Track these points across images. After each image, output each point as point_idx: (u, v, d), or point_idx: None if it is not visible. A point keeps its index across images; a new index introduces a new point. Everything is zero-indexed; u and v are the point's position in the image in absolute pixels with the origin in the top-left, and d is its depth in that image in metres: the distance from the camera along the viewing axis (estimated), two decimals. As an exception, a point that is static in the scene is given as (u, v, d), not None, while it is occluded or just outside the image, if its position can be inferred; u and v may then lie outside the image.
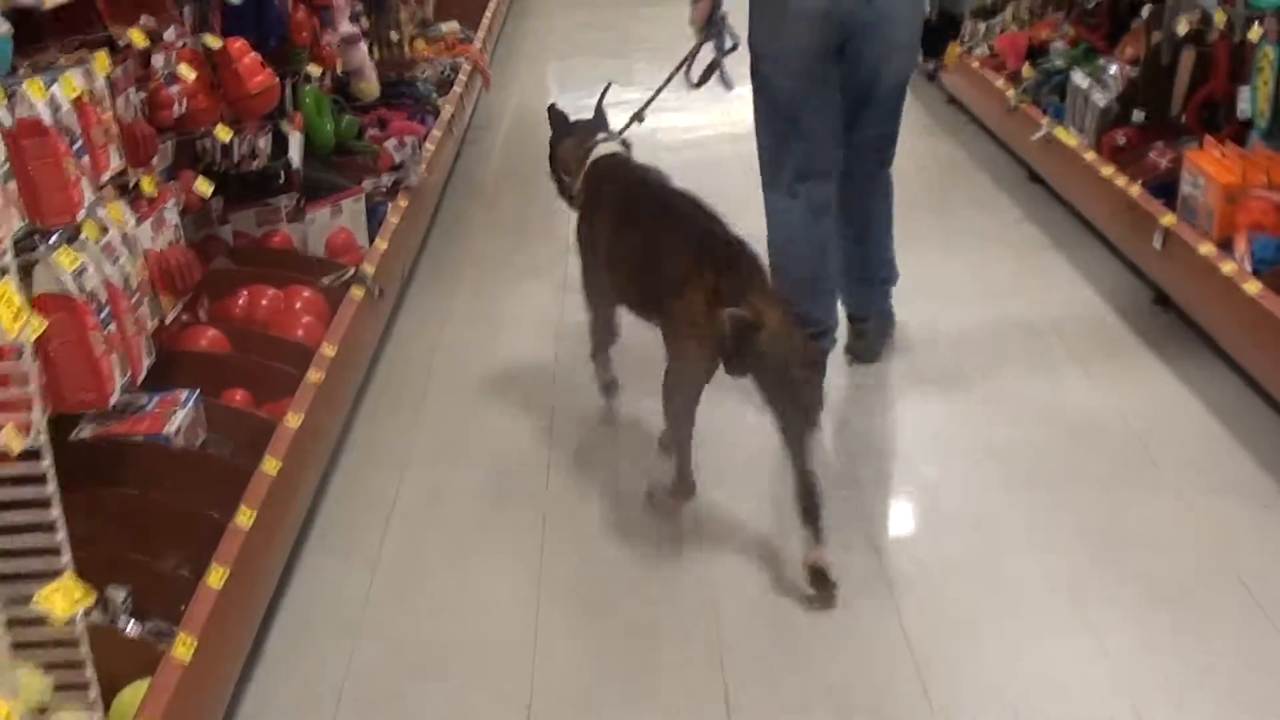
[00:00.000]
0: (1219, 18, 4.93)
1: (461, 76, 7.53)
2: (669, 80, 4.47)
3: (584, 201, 4.17)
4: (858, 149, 4.46)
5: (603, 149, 4.17)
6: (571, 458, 4.25)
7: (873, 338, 4.75)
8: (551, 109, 4.48)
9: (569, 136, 4.35)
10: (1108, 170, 5.43)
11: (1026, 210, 6.32)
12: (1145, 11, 5.53)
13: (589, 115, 4.39)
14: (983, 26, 7.37)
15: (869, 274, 4.71)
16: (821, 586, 3.40)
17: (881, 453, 4.30)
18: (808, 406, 3.40)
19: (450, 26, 8.48)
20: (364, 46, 5.72)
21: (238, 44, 4.13)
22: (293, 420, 3.74)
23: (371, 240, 5.06)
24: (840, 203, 4.50)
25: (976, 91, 7.29)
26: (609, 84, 4.48)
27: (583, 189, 4.17)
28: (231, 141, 4.50)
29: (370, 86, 5.81)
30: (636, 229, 3.81)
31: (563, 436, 4.38)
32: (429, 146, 6.19)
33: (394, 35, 7.01)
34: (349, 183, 5.23)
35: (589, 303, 4.30)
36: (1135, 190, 5.16)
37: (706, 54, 4.45)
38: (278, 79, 4.28)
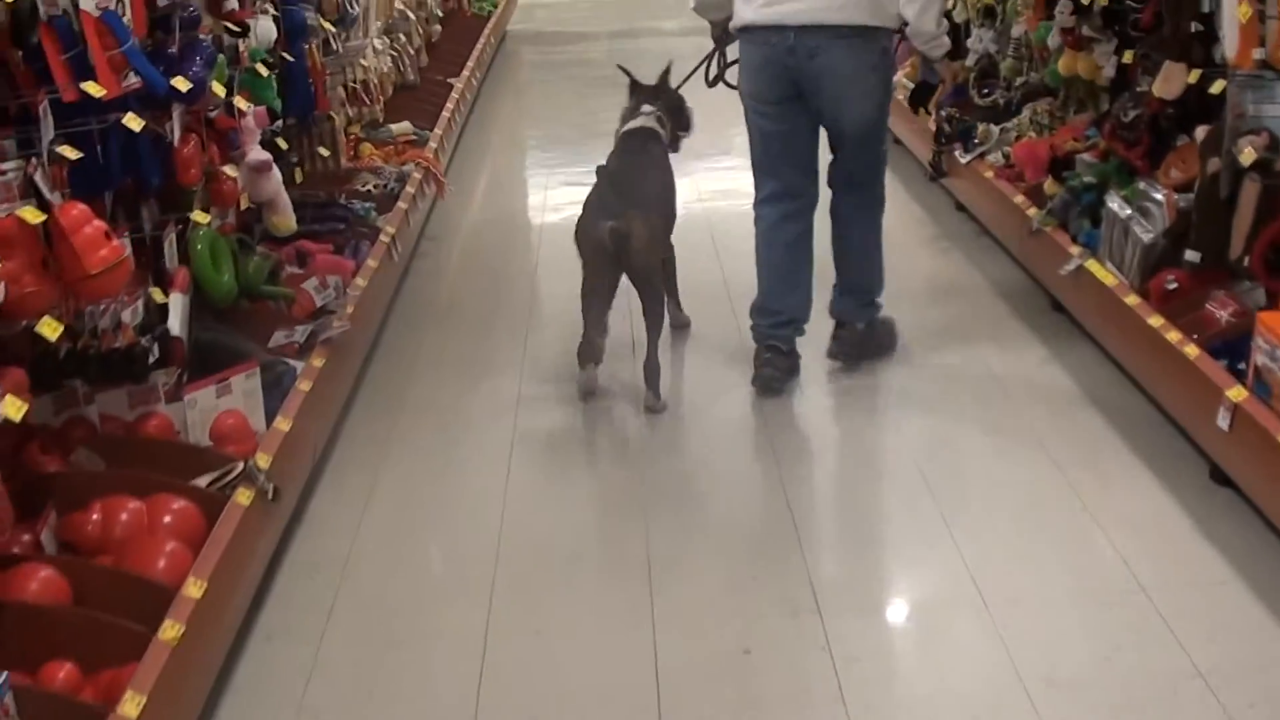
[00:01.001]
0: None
1: (409, 189, 6.67)
2: (692, 74, 5.44)
3: None
4: (836, 181, 5.09)
5: (635, 123, 5.25)
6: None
7: (848, 343, 5.19)
8: (623, 69, 5.48)
9: (633, 97, 5.38)
10: (1156, 320, 4.57)
11: (1051, 349, 5.45)
12: (1198, 133, 4.67)
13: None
14: (995, 130, 6.51)
15: (846, 287, 5.20)
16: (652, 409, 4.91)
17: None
18: (648, 301, 4.88)
19: (401, 127, 7.63)
20: (277, 175, 4.84)
21: (75, 211, 3.25)
22: (129, 706, 2.86)
23: (272, 418, 4.18)
24: (831, 225, 5.17)
25: (991, 205, 6.43)
26: (670, 62, 5.44)
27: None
28: (86, 314, 3.64)
29: (284, 221, 4.94)
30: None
31: (501, 675, 3.51)
32: (359, 282, 5.34)
33: (324, 151, 6.13)
34: (249, 345, 4.39)
35: None
36: (1192, 351, 4.30)
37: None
38: (128, 252, 3.40)
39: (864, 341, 5.20)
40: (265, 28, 5.17)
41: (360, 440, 4.90)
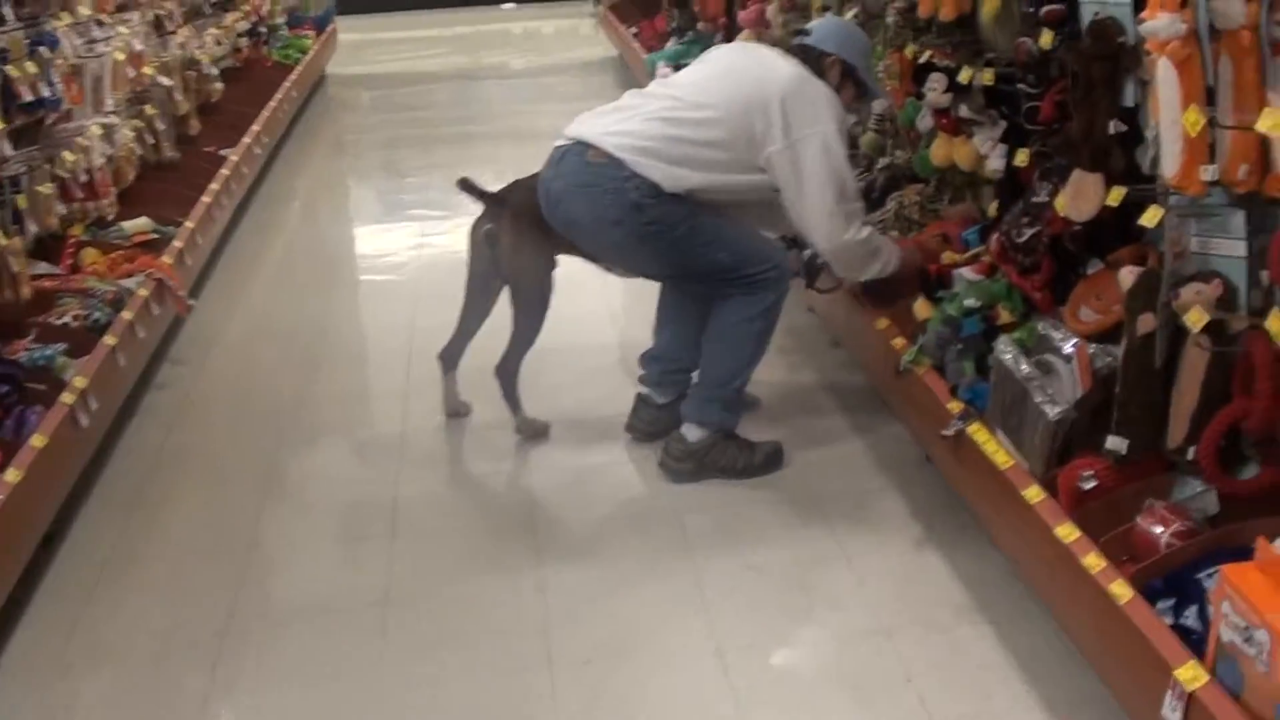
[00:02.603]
0: (1278, 324, 2.81)
1: (125, 314, 5.28)
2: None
3: None
4: None
5: None
6: None
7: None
8: None
9: None
10: (1067, 532, 3.30)
11: (927, 525, 4.23)
12: (1123, 275, 3.42)
13: None
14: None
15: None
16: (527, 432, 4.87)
17: None
18: (515, 310, 4.73)
19: (138, 224, 6.24)
20: None
21: None
22: None
23: None
24: None
25: (849, 323, 5.14)
26: None
27: None
28: None
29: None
30: None
31: None
32: (8, 477, 3.95)
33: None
34: None
35: None
36: (1123, 592, 3.03)
37: None
38: None
39: (696, 453, 4.52)
40: None
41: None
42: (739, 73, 4.47)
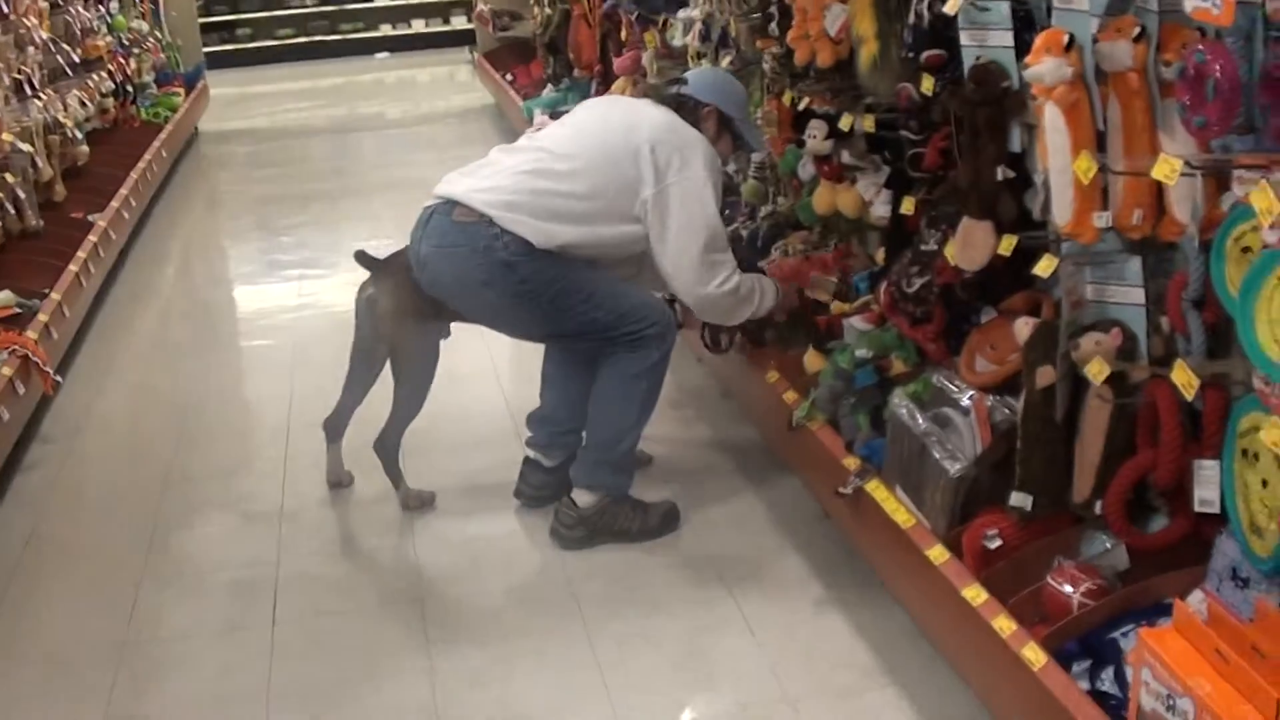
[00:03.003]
0: (1184, 376, 2.72)
1: (-12, 394, 5.05)
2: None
3: None
4: None
5: None
6: None
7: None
8: None
9: None
10: (974, 594, 3.20)
11: (828, 582, 4.11)
12: (1018, 326, 3.32)
13: None
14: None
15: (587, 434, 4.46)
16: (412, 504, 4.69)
17: None
18: (396, 376, 4.55)
19: (0, 299, 5.99)
20: None
21: None
22: None
23: None
24: None
25: (739, 374, 5.03)
26: None
27: None
28: None
29: None
30: None
31: None
32: None
33: None
34: None
35: None
36: (1035, 657, 2.92)
37: None
38: None
39: (588, 519, 4.36)
40: None
41: None
42: (608, 122, 4.36)
